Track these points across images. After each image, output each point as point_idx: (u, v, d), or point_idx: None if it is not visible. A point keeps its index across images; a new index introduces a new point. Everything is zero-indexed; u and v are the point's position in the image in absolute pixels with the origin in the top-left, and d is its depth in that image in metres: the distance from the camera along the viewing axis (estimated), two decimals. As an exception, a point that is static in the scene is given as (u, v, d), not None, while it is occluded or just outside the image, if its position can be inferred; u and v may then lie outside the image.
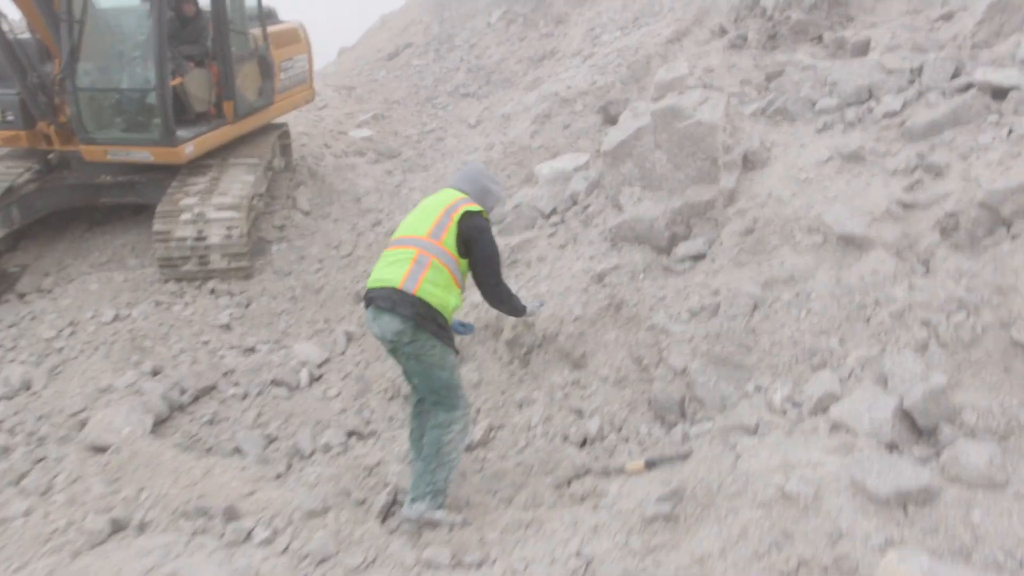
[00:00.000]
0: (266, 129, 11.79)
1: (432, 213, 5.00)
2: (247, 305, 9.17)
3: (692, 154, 6.07)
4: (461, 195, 5.12)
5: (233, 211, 9.39)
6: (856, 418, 4.01)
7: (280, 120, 12.29)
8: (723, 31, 10.35)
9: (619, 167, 6.35)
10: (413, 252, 4.86)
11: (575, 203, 7.44)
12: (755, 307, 5.29)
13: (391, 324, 4.78)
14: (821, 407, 4.33)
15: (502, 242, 7.56)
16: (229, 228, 9.27)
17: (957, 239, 5.09)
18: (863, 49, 9.02)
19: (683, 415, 5.22)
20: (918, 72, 6.20)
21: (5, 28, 9.31)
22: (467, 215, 4.92)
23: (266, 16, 11.63)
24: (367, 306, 4.97)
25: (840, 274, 5.19)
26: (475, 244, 4.93)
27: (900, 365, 4.26)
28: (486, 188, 5.25)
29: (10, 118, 10.08)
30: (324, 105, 15.81)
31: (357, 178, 12.21)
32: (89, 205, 10.54)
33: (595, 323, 5.92)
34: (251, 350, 8.50)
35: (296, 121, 14.44)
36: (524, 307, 5.47)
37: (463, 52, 17.50)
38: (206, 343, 8.55)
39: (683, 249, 6.06)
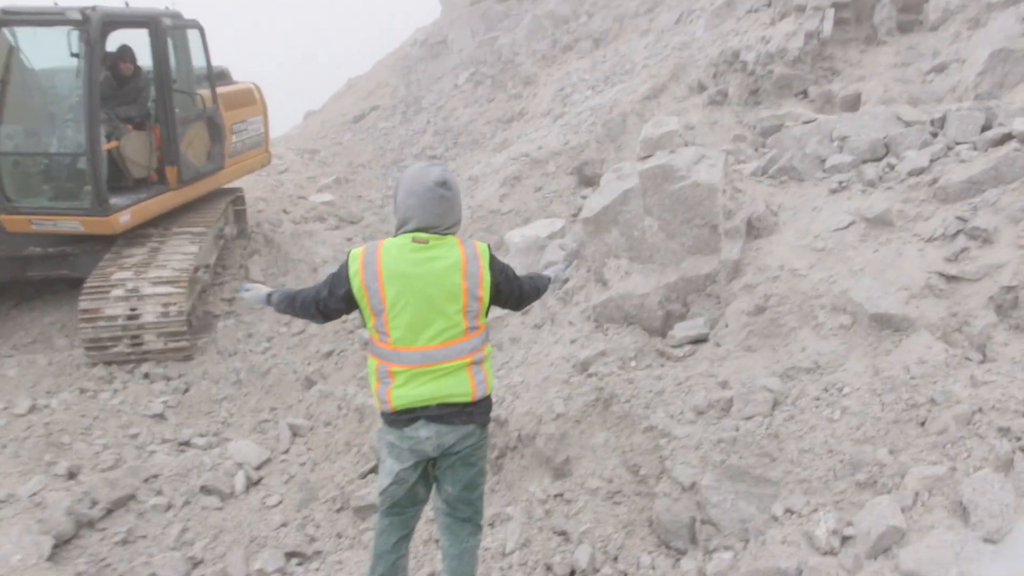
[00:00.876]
0: (216, 195, 10.70)
1: (449, 299, 3.37)
2: (185, 391, 7.96)
3: (688, 220, 5.07)
4: (447, 239, 3.43)
5: (171, 285, 8.23)
6: (939, 570, 2.94)
7: (233, 185, 11.23)
8: (702, 87, 9.50)
9: (603, 236, 5.33)
10: (464, 361, 3.45)
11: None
12: (775, 404, 4.23)
13: (454, 433, 3.51)
14: (882, 547, 3.25)
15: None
16: (166, 305, 8.10)
17: (1019, 318, 4.09)
18: (854, 103, 8.19)
19: (694, 541, 4.10)
20: (940, 124, 5.29)
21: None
22: (491, 265, 3.50)
23: (217, 76, 10.63)
24: (403, 425, 3.53)
25: (878, 363, 4.16)
26: (508, 280, 3.62)
27: (982, 492, 3.20)
28: (456, 198, 3.53)
29: (-71, 185, 8.92)
30: (285, 169, 14.78)
31: (315, 246, 11.12)
32: (16, 280, 9.33)
33: (580, 422, 4.82)
34: (186, 444, 7.28)
35: (253, 186, 13.38)
36: (547, 277, 4.12)
37: (430, 114, 16.62)
38: (134, 437, 7.31)
39: (681, 331, 5.02)
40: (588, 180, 8.80)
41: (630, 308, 5.22)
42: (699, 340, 4.99)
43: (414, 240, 3.33)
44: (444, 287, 3.32)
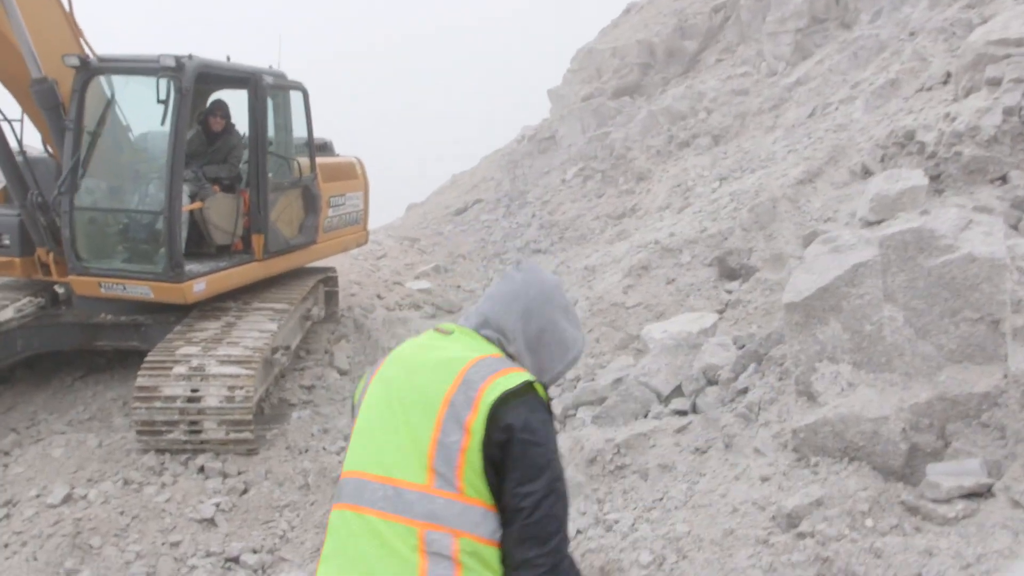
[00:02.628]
0: (306, 272, 9.39)
1: (424, 409, 2.03)
2: (243, 492, 6.36)
3: (954, 312, 3.29)
4: (482, 351, 2.13)
5: (241, 366, 6.76)
6: None
7: (326, 264, 9.94)
8: (867, 172, 7.72)
9: (813, 330, 3.59)
10: (413, 532, 1.95)
11: (713, 383, 4.64)
12: None
13: None
14: None
15: (599, 436, 4.69)
16: (232, 388, 6.60)
17: None
18: (1072, 195, 6.30)
19: None
20: None
21: (11, 140, 7.21)
22: (507, 400, 1.98)
23: (319, 148, 9.48)
24: None
25: None
26: (521, 461, 2.01)
27: None
28: (551, 328, 2.21)
29: (6, 242, 7.82)
30: (383, 255, 13.52)
31: (407, 334, 9.58)
32: (85, 349, 8.08)
33: (795, 612, 2.98)
34: (234, 561, 5.63)
35: (348, 268, 12.10)
36: None
37: (535, 208, 15.26)
38: (175, 546, 5.71)
39: (945, 477, 3.17)
40: (732, 272, 7.07)
41: (855, 437, 3.41)
42: (975, 494, 3.13)
43: (436, 329, 2.21)
44: (426, 387, 2.02)
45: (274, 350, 7.69)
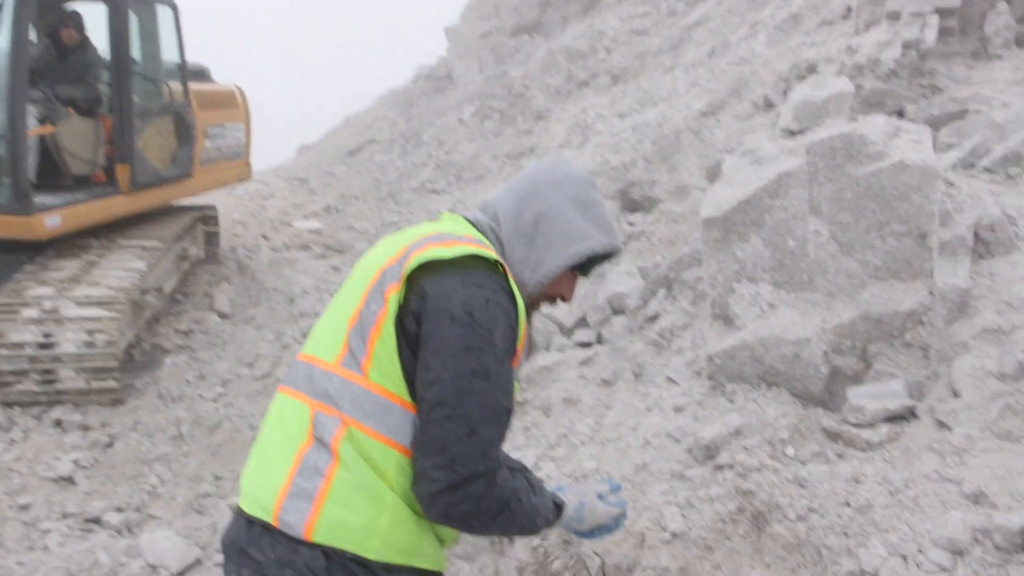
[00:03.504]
0: (181, 209, 8.57)
1: (358, 287, 1.77)
2: (107, 446, 5.68)
3: (880, 225, 3.03)
4: (456, 230, 1.80)
5: (103, 308, 6.01)
6: None
7: (204, 201, 9.11)
8: (769, 104, 7.53)
9: (732, 248, 3.26)
10: (306, 412, 1.70)
11: (620, 312, 4.30)
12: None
13: None
14: None
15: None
16: (92, 333, 5.87)
17: None
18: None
19: None
20: None
21: None
22: (435, 266, 1.67)
23: (194, 74, 8.57)
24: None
25: None
26: (434, 338, 1.66)
27: None
28: (552, 215, 1.79)
29: None
30: (270, 195, 12.66)
31: (295, 275, 8.95)
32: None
33: (714, 548, 2.68)
34: (94, 522, 5.00)
35: (231, 208, 11.23)
36: (552, 504, 1.85)
37: (431, 148, 14.61)
38: (25, 508, 5.03)
39: (868, 400, 2.93)
40: (634, 205, 6.78)
41: (774, 361, 3.13)
42: (899, 417, 2.90)
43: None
44: (373, 262, 1.78)
45: (144, 291, 6.94)
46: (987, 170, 3.46)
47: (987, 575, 2.28)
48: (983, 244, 3.04)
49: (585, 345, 4.41)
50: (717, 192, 3.35)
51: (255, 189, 12.75)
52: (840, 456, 2.84)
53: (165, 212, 8.32)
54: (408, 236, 1.79)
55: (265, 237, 10.50)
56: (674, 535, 2.74)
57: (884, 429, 2.83)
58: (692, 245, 4.07)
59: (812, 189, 3.09)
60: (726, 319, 3.31)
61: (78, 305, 5.99)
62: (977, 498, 2.49)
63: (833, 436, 2.92)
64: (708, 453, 2.94)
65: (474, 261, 1.65)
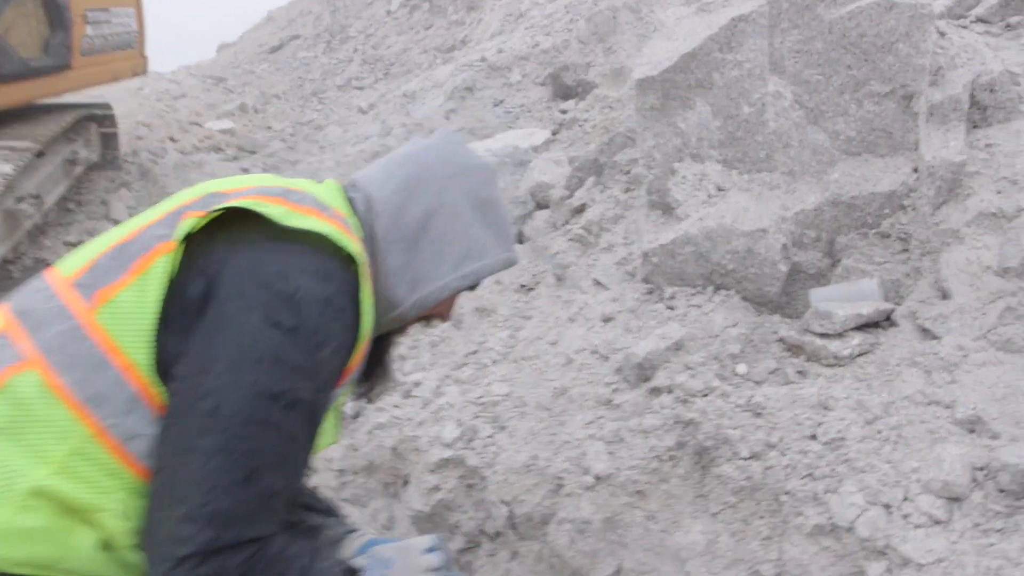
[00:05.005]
0: (63, 106, 7.49)
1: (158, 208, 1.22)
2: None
3: (857, 85, 2.35)
4: (331, 198, 1.30)
5: (-48, 218, 5.10)
6: None
7: (94, 99, 8.02)
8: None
9: (671, 116, 2.55)
10: None
11: (544, 206, 3.60)
12: None
13: None
14: None
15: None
16: (-60, 246, 4.99)
17: None
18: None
19: None
20: None
21: None
22: (256, 228, 1.13)
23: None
24: None
25: None
26: (227, 325, 1.07)
27: None
28: (445, 215, 1.32)
29: None
30: (181, 95, 11.47)
31: (200, 178, 7.99)
32: None
33: (646, 495, 2.10)
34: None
35: (136, 109, 10.09)
36: (340, 573, 1.20)
37: (358, 43, 13.44)
38: None
39: (832, 305, 2.32)
40: (567, 91, 6.00)
41: (723, 258, 2.48)
42: (873, 324, 2.31)
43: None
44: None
45: (19, 199, 6.00)
46: (980, 20, 2.79)
47: (991, 528, 1.73)
48: (979, 109, 2.39)
49: (505, 246, 3.74)
50: (655, 47, 2.61)
51: (165, 88, 11.55)
52: (802, 374, 2.25)
53: (44, 109, 7.23)
54: (255, 179, 1.29)
55: (172, 139, 9.46)
56: (598, 478, 2.13)
57: (856, 339, 2.23)
58: (628, 124, 3.35)
59: (773, 38, 2.38)
60: (665, 208, 2.65)
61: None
62: (973, 426, 1.92)
63: (794, 349, 2.32)
64: (642, 373, 2.32)
65: (326, 244, 1.15)
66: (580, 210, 3.17)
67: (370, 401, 1.90)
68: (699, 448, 2.09)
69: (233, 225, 1.12)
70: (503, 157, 4.03)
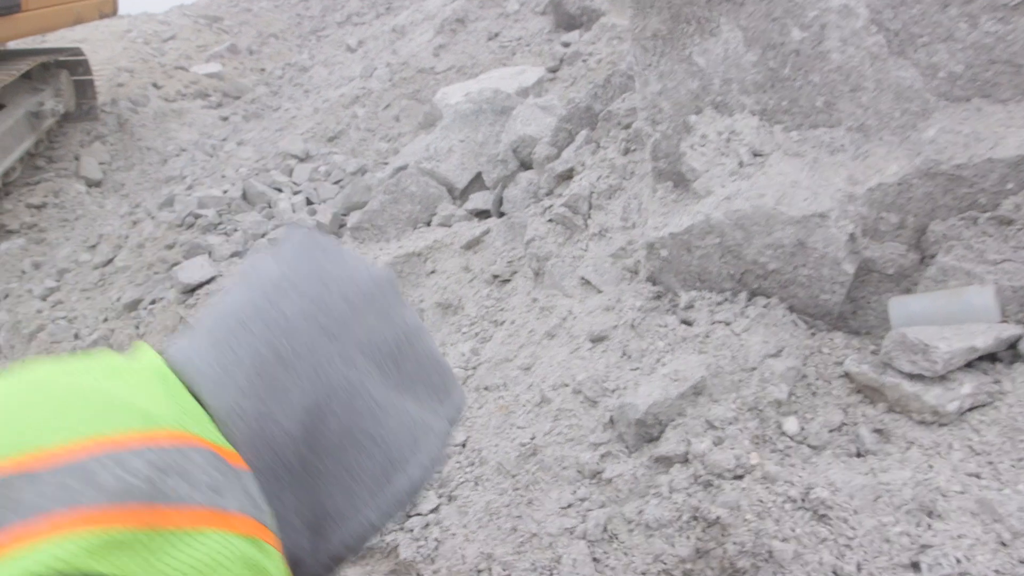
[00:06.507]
0: (19, 53, 6.73)
1: None
2: (-96, 365, 4.30)
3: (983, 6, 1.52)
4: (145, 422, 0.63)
5: None
6: None
7: (57, 43, 7.24)
8: None
9: (687, 48, 1.72)
10: None
11: (529, 166, 2.80)
12: None
13: None
14: None
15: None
16: None
17: None
18: None
19: None
20: None
21: None
22: None
23: None
24: None
25: None
26: None
27: None
28: (351, 404, 0.73)
29: None
30: (171, 36, 10.60)
31: (180, 129, 7.25)
32: None
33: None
34: None
35: (119, 53, 9.28)
36: None
37: (359, -25, 12.37)
38: None
39: (926, 330, 1.53)
40: (571, 20, 5.08)
41: (760, 254, 1.69)
42: (989, 357, 1.52)
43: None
44: None
45: (-33, 160, 5.31)
46: None
47: None
48: None
49: (481, 215, 2.94)
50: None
51: (152, 31, 10.67)
52: (884, 437, 1.47)
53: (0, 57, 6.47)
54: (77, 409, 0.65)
55: (156, 85, 8.64)
56: (580, 603, 1.40)
57: (967, 386, 1.44)
58: (631, 60, 2.50)
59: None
60: (677, 180, 1.84)
61: None
62: None
63: (868, 393, 1.55)
64: (644, 431, 1.56)
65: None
66: (567, 177, 2.35)
67: None
68: (729, 566, 1.34)
69: None
70: (480, 104, 3.20)
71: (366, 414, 0.75)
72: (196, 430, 0.67)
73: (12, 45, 7.19)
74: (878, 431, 1.50)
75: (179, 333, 0.81)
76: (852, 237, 1.65)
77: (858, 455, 1.46)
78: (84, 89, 7.58)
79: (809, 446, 1.50)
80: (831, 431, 1.52)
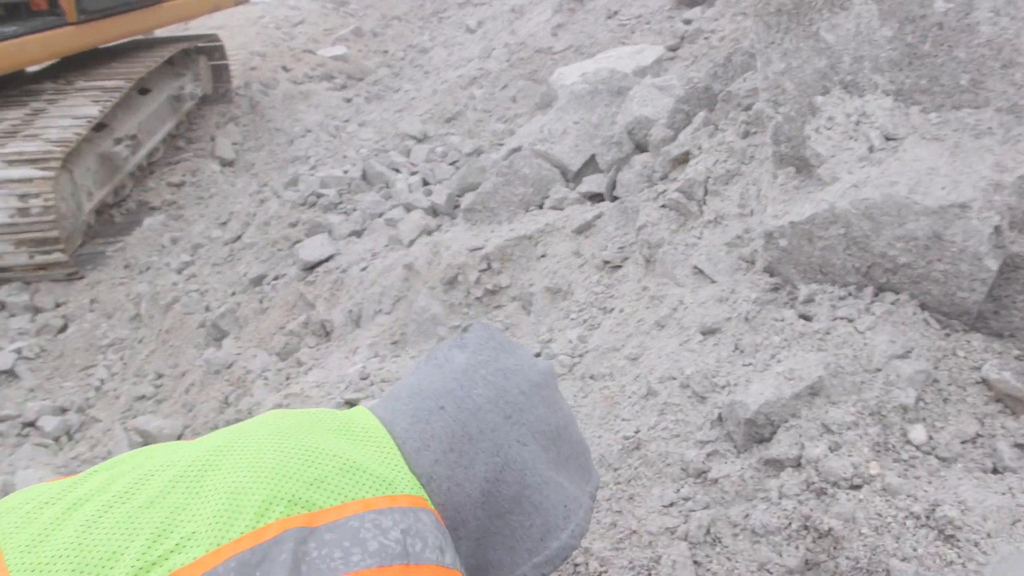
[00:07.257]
0: (162, 41, 7.18)
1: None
2: (60, 330, 4.70)
3: None
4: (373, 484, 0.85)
5: (35, 167, 4.81)
6: None
7: (197, 30, 7.67)
8: None
9: (812, 25, 1.61)
10: None
11: (644, 148, 2.73)
12: None
13: None
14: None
15: (464, 242, 2.88)
16: (25, 197, 4.72)
17: None
18: None
19: None
20: None
21: None
22: None
23: None
24: None
25: None
26: None
27: None
28: (525, 491, 0.96)
29: None
30: (300, 21, 11.05)
31: (307, 111, 7.55)
32: None
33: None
34: (31, 426, 4.08)
35: (252, 39, 9.75)
36: None
37: (480, -46, 12.44)
38: (-45, 410, 4.15)
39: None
40: (694, -4, 4.89)
41: (890, 246, 1.57)
42: None
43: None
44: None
45: (116, 141, 5.73)
46: None
47: None
48: None
49: (594, 198, 2.89)
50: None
51: (283, 16, 11.15)
52: (1026, 450, 1.34)
53: (145, 45, 6.94)
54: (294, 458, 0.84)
55: (285, 68, 9.04)
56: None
57: None
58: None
59: None
60: (801, 165, 1.74)
61: (7, 165, 4.80)
62: None
63: (1008, 402, 1.41)
64: (754, 431, 1.49)
65: None
66: (682, 160, 2.27)
67: None
68: (841, 581, 1.26)
69: None
70: (596, 84, 3.13)
71: (532, 486, 0.93)
72: (420, 493, 0.84)
73: (157, 33, 7.69)
74: (1019, 446, 1.37)
75: (378, 402, 0.95)
76: (997, 230, 1.51)
77: (994, 471, 1.34)
78: (220, 73, 8.01)
79: (938, 458, 1.38)
80: (964, 443, 1.40)
